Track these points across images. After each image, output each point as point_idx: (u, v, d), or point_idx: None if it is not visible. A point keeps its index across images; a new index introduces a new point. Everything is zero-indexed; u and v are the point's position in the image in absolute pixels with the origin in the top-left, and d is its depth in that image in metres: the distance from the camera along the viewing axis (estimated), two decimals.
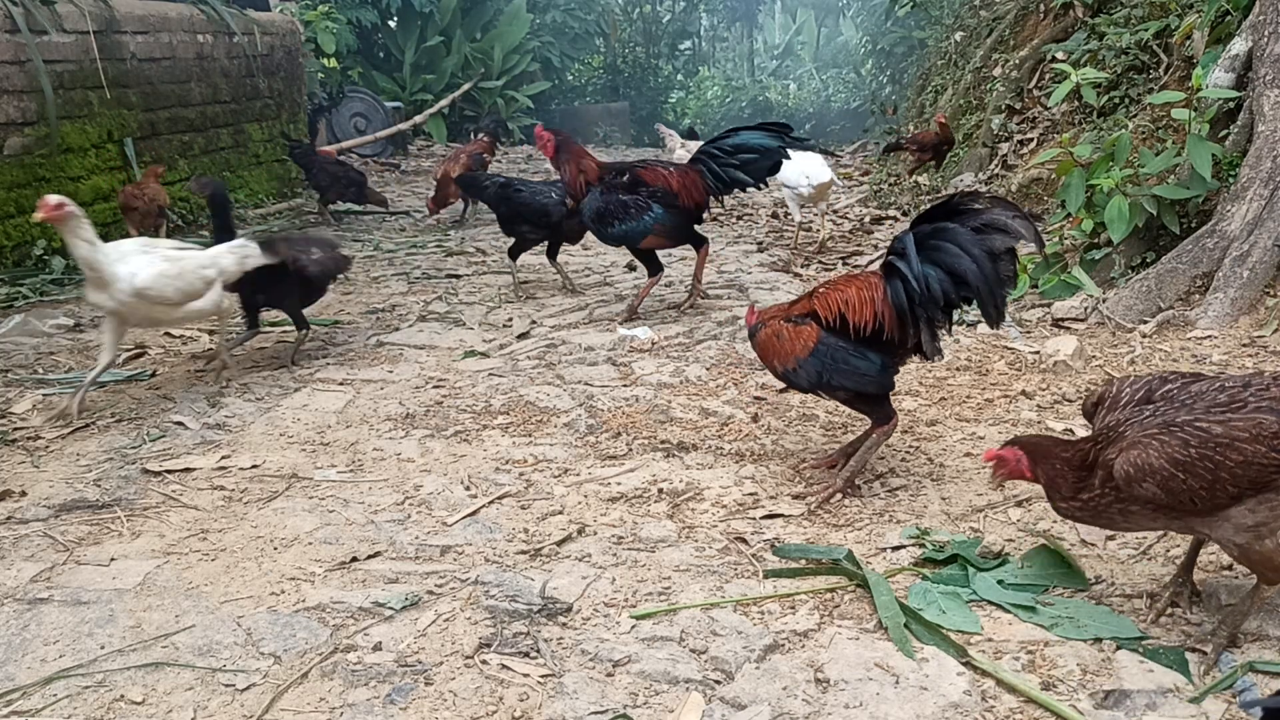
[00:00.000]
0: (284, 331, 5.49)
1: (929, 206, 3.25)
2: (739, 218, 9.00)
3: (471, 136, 9.75)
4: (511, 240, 6.21)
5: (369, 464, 3.68)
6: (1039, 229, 3.08)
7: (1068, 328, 4.94)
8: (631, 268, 6.97)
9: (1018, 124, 8.28)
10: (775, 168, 5.38)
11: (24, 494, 3.43)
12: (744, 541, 3.01)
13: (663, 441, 3.79)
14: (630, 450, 3.74)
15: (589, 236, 6.01)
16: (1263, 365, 4.10)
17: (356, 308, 6.02)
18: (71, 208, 3.95)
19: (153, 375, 4.74)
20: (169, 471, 3.61)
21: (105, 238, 7.23)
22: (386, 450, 3.79)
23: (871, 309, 3.19)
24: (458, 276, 6.85)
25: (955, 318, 3.27)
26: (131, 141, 7.80)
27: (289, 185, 10.30)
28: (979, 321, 5.09)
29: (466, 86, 15.53)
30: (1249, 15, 5.28)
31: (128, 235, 7.60)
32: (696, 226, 5.59)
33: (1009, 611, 2.58)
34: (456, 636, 2.55)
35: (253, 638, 2.55)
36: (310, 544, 3.06)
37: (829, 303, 3.29)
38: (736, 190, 5.45)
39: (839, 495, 3.27)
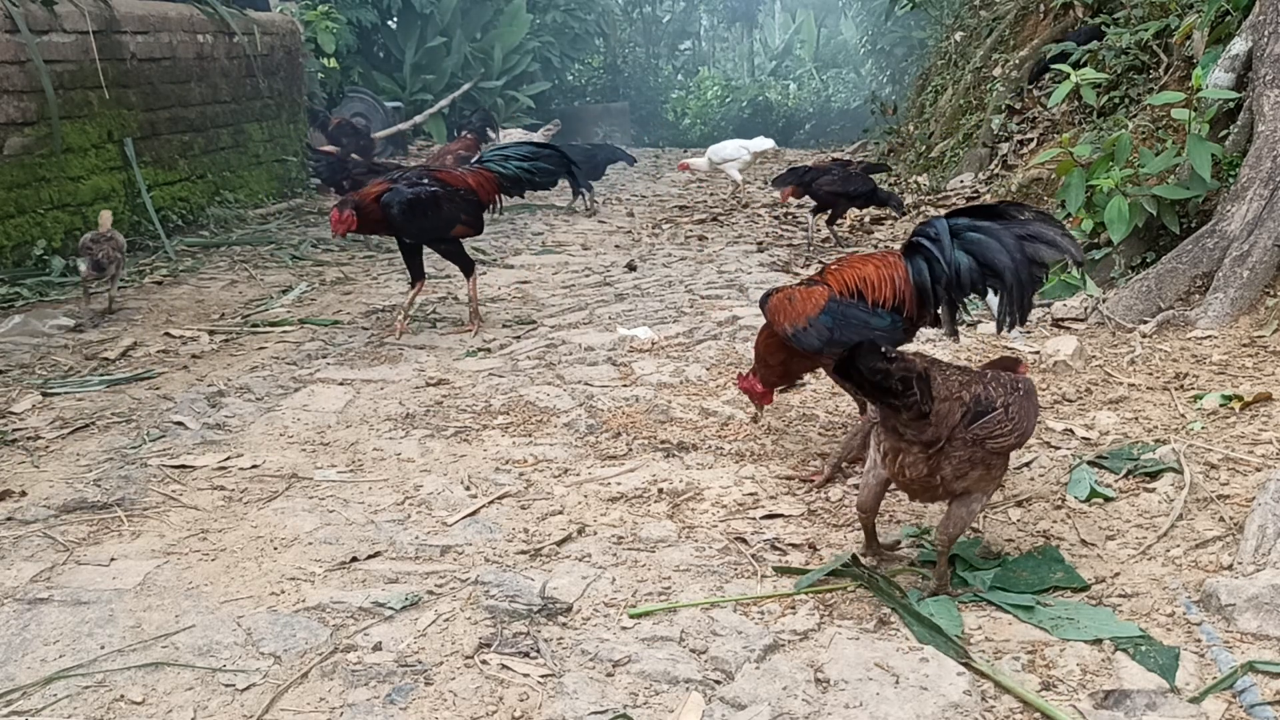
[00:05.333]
0: (284, 332, 5.49)
1: (965, 205, 3.31)
2: (746, 217, 9.01)
3: (456, 134, 9.71)
4: None
5: (369, 464, 3.68)
6: (1079, 244, 3.18)
7: (1068, 328, 4.94)
8: (631, 267, 6.98)
9: (1018, 124, 8.29)
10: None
11: (24, 494, 3.43)
12: (744, 541, 3.01)
13: (663, 441, 3.79)
14: (630, 450, 3.74)
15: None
16: (1262, 365, 4.10)
17: (356, 308, 6.02)
18: None
19: (153, 375, 4.74)
20: (169, 471, 3.61)
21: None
22: (386, 450, 3.79)
23: (891, 287, 3.25)
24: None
25: (968, 308, 3.39)
26: (131, 141, 7.80)
27: (289, 185, 10.30)
28: (979, 321, 5.09)
29: (466, 86, 15.52)
30: (1249, 15, 5.27)
31: (126, 235, 7.62)
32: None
33: (1008, 612, 2.58)
34: (456, 636, 2.55)
35: (253, 638, 2.55)
36: (310, 544, 3.06)
37: (844, 278, 3.34)
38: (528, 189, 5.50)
39: (827, 482, 3.38)
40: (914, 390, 2.38)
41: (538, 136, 10.83)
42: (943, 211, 4.85)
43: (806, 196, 7.33)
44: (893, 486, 2.72)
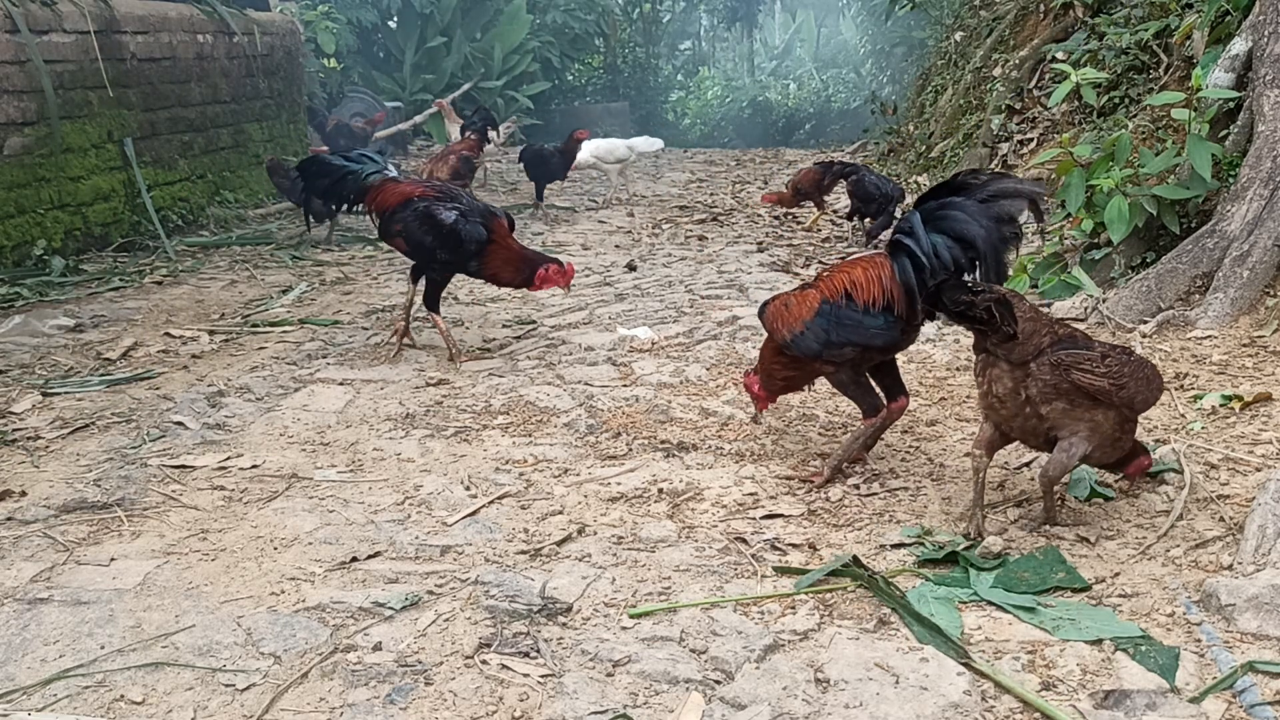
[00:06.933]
0: (284, 332, 5.49)
1: (933, 186, 3.31)
2: (746, 217, 9.01)
3: (459, 135, 9.67)
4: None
5: (369, 464, 3.68)
6: (1041, 202, 3.20)
7: None
8: (631, 267, 6.97)
9: (1018, 124, 8.28)
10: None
11: (24, 494, 3.43)
12: (744, 541, 3.01)
13: (663, 441, 3.79)
14: (630, 450, 3.74)
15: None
16: (1262, 365, 4.10)
17: (356, 308, 6.02)
18: None
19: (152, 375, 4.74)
20: (169, 471, 3.61)
21: (104, 238, 7.33)
22: (386, 450, 3.79)
23: (879, 287, 3.24)
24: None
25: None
26: (131, 141, 7.80)
27: None
28: None
29: (466, 86, 15.52)
30: (1249, 15, 5.27)
31: (126, 235, 7.63)
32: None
33: (1009, 612, 2.58)
34: (456, 636, 2.55)
35: (253, 638, 2.55)
36: (310, 544, 3.06)
37: (834, 285, 3.34)
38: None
39: (827, 483, 3.36)
40: (997, 315, 2.70)
41: (498, 133, 10.81)
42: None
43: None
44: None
